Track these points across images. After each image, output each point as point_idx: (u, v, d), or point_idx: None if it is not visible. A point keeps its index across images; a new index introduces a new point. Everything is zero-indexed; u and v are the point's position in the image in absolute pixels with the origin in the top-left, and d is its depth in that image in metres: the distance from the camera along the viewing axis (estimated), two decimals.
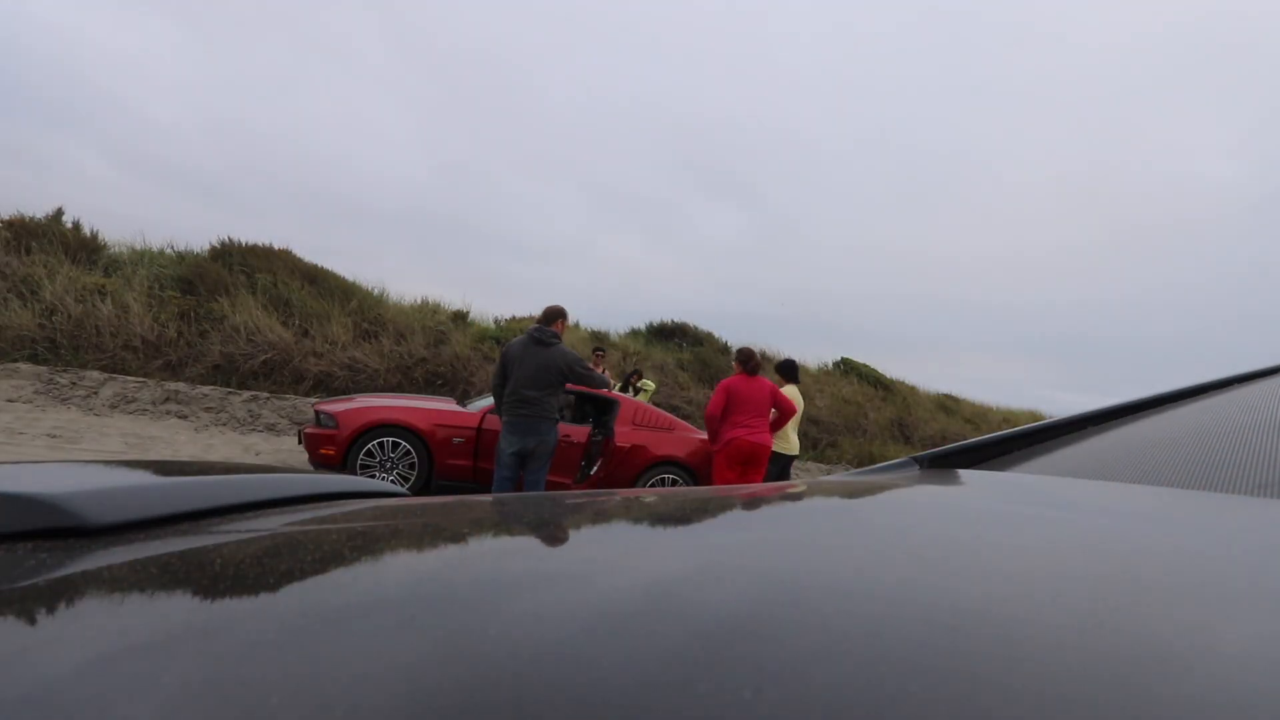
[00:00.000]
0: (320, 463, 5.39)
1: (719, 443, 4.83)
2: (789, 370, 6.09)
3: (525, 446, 4.40)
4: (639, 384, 8.84)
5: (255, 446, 6.95)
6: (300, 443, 5.64)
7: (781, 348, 14.88)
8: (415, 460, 5.54)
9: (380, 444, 5.48)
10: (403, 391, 8.95)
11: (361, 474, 5.48)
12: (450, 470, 5.63)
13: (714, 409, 4.79)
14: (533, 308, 12.23)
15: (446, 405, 6.06)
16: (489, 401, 6.08)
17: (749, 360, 4.86)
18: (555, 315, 4.49)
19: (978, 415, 15.80)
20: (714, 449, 4.91)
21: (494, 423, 5.72)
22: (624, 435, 6.03)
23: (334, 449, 5.36)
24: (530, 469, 4.51)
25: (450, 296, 14.71)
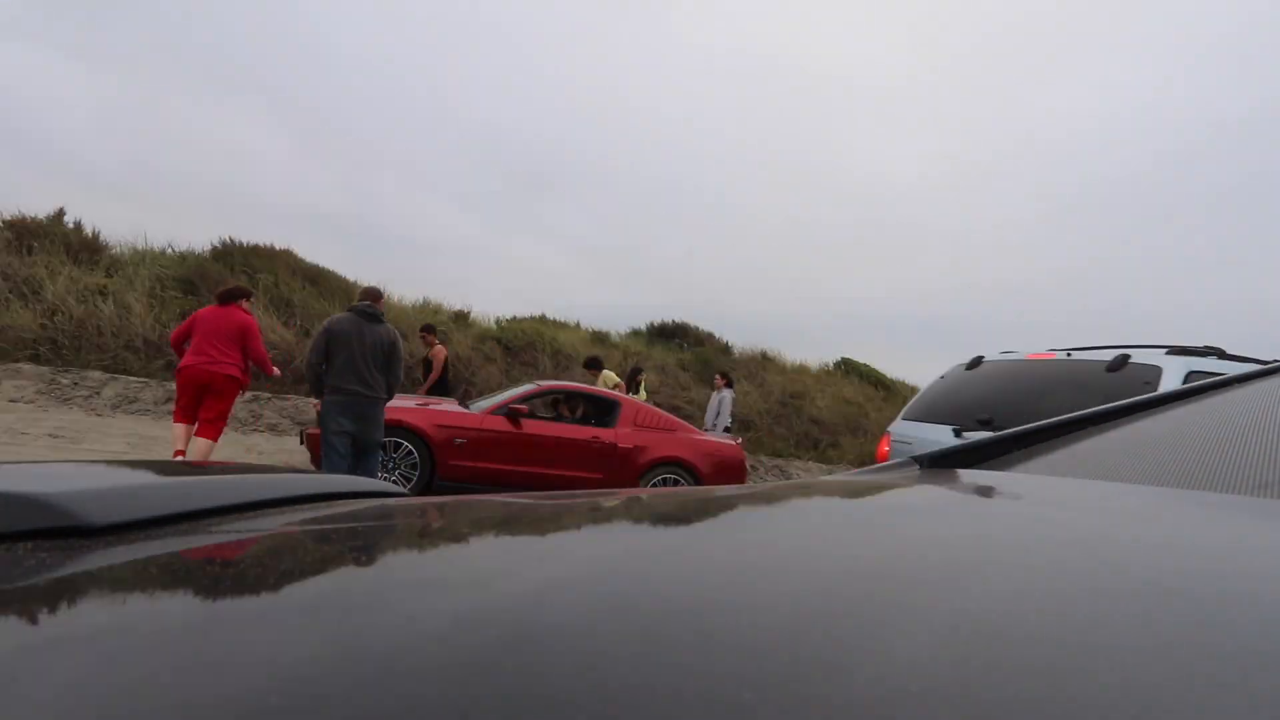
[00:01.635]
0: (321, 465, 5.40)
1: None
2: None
3: (363, 431, 4.22)
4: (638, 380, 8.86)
5: (258, 446, 6.95)
6: (303, 443, 5.65)
7: (784, 347, 14.88)
8: (417, 461, 5.55)
9: (382, 445, 5.49)
10: (404, 392, 8.97)
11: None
12: (453, 471, 5.64)
13: (174, 336, 4.85)
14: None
15: (449, 406, 6.08)
16: (492, 401, 6.11)
17: (222, 292, 4.83)
18: (379, 294, 4.46)
19: None
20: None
21: (497, 423, 5.75)
22: (626, 436, 6.06)
23: None
24: (369, 457, 4.35)
25: (450, 297, 14.66)
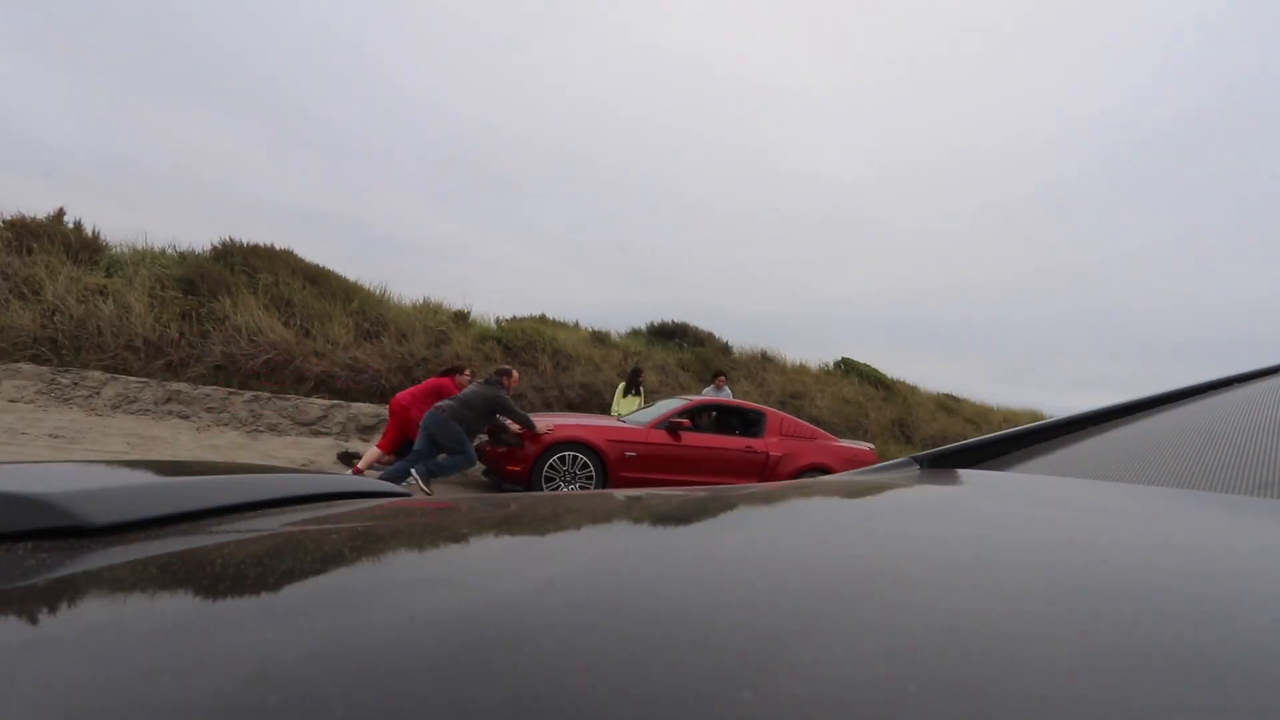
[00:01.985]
0: (508, 479, 5.68)
1: None
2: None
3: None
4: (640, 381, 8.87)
5: (271, 451, 6.96)
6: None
7: (784, 347, 14.87)
8: (592, 473, 5.82)
9: (561, 459, 5.73)
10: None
11: (546, 487, 5.56)
12: (624, 483, 5.88)
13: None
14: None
15: (610, 422, 6.38)
16: (653, 415, 6.43)
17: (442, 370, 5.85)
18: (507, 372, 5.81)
19: (978, 415, 15.79)
20: None
21: (659, 436, 6.09)
22: (776, 445, 6.43)
23: (521, 465, 5.64)
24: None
25: (450, 296, 14.65)
